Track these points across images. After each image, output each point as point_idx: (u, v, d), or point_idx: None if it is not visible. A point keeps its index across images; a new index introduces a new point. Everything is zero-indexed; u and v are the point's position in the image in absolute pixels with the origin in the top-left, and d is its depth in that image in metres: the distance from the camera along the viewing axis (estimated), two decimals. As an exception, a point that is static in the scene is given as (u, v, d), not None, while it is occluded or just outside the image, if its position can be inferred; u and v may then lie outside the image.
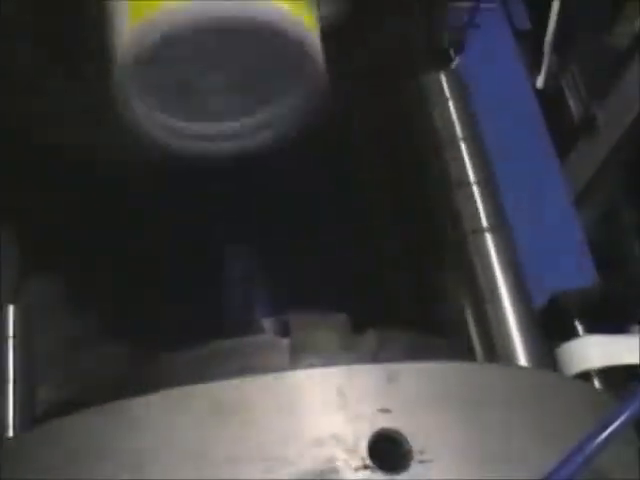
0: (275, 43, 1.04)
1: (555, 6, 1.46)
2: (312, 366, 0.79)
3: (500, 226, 0.90)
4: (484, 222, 0.89)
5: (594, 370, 0.94)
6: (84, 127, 1.24)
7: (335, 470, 0.71)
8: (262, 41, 1.04)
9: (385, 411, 0.73)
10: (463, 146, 0.92)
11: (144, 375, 0.91)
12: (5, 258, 1.26)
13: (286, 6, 1.02)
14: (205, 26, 1.02)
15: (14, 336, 1.07)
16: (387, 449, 0.73)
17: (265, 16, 1.00)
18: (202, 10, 1.01)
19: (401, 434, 0.72)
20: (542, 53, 1.48)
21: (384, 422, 0.73)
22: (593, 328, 1.01)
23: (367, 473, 0.71)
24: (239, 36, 1.04)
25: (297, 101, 1.07)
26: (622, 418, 0.64)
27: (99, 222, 1.33)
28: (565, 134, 1.44)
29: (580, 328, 0.97)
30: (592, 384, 0.92)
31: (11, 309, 1.10)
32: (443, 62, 1.51)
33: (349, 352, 0.81)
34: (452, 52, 1.53)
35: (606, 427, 0.65)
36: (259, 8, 1.00)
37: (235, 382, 0.76)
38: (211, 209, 1.37)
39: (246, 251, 1.38)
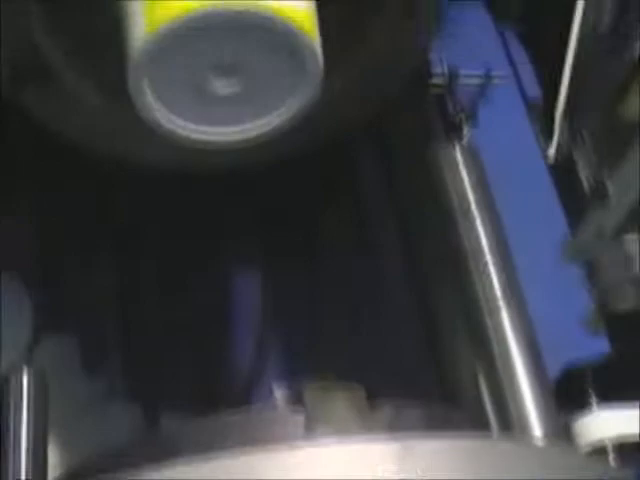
0: (281, 42, 1.10)
1: (566, 76, 1.48)
2: (327, 438, 0.79)
3: (515, 299, 0.90)
4: (499, 294, 0.90)
5: (610, 442, 0.93)
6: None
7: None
8: (271, 43, 1.10)
9: (400, 485, 0.73)
10: (477, 219, 0.93)
11: (152, 446, 0.91)
12: (19, 317, 1.27)
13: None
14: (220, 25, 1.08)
15: (28, 401, 1.07)
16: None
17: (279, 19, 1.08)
18: (216, 10, 1.07)
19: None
20: (553, 122, 1.50)
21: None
22: (609, 398, 1.01)
23: None
24: (250, 38, 1.10)
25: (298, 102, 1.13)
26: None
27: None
28: (576, 203, 1.45)
29: (595, 399, 0.97)
30: (607, 458, 0.92)
31: (25, 372, 1.10)
32: (455, 134, 1.54)
33: (364, 423, 0.81)
34: (464, 124, 1.56)
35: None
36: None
37: (247, 454, 0.76)
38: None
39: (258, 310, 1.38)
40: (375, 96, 1.36)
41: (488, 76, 1.56)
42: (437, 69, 1.58)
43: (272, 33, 1.11)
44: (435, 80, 1.60)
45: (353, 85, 1.31)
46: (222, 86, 1.13)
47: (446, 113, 1.60)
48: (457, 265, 0.93)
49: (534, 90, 1.57)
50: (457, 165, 0.95)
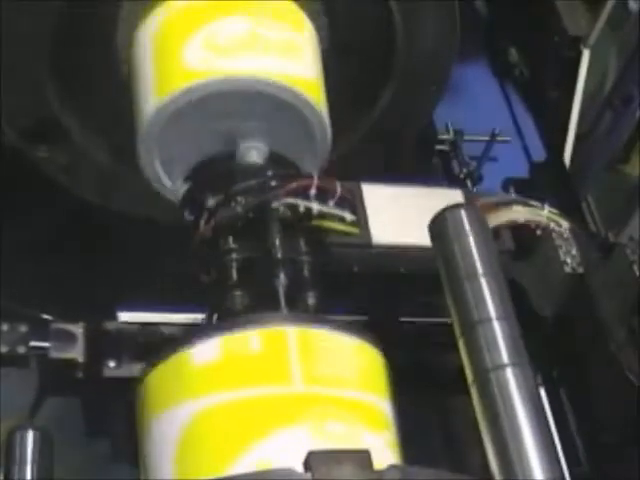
0: (290, 110, 1.14)
1: (570, 139, 1.49)
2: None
3: (521, 361, 0.90)
4: (505, 358, 0.90)
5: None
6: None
7: None
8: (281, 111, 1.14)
9: None
10: (483, 282, 0.93)
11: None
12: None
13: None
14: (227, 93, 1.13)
15: (32, 461, 1.06)
16: None
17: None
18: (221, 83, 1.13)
19: None
20: (558, 184, 1.51)
21: None
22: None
23: None
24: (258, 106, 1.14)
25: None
26: None
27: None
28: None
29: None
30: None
31: (30, 432, 1.10)
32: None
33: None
34: (470, 184, 1.57)
35: None
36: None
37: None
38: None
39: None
40: (382, 155, 1.37)
41: (492, 135, 1.57)
42: (442, 128, 1.60)
43: (281, 102, 1.14)
44: (440, 139, 1.61)
45: (362, 145, 1.32)
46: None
47: (451, 171, 1.62)
48: (464, 327, 0.93)
49: (538, 149, 1.58)
50: (463, 225, 0.95)
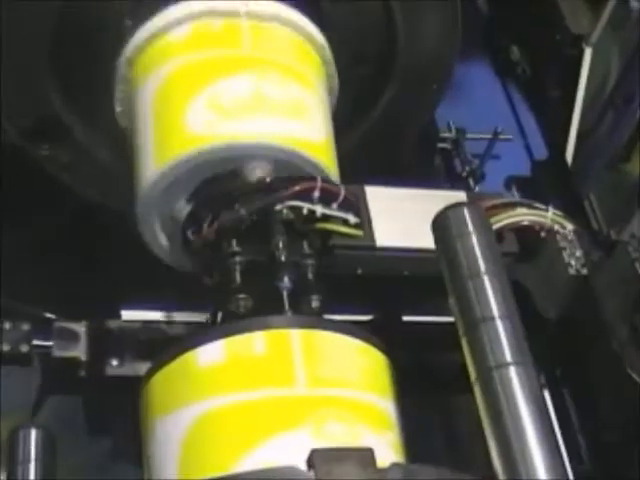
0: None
1: (572, 137, 1.49)
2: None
3: (524, 360, 0.90)
4: (508, 356, 0.90)
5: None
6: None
7: None
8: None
9: None
10: (486, 280, 0.93)
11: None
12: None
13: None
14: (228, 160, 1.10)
15: (35, 459, 1.06)
16: None
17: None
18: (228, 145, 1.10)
19: None
20: (560, 182, 1.51)
21: None
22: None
23: None
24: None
25: None
26: None
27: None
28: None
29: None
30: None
31: (33, 431, 1.10)
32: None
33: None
34: (472, 182, 1.58)
35: None
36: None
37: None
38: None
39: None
40: (384, 155, 1.38)
41: (495, 133, 1.58)
42: (444, 127, 1.60)
43: (289, 165, 1.11)
44: (443, 137, 1.61)
45: (364, 144, 1.33)
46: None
47: (453, 170, 1.62)
48: (467, 326, 0.93)
49: (540, 147, 1.58)
50: (466, 223, 0.95)
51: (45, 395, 1.29)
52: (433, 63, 1.31)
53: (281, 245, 1.05)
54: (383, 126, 1.34)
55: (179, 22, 1.17)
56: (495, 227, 1.09)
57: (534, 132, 1.60)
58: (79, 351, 1.23)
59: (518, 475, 0.83)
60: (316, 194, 1.07)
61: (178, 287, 1.25)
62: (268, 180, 1.09)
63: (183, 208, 1.14)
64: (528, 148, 1.59)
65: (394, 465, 0.84)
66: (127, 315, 1.30)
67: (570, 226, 1.17)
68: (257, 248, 1.07)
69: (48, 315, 1.26)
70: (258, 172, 1.11)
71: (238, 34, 1.17)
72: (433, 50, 1.30)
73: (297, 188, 1.07)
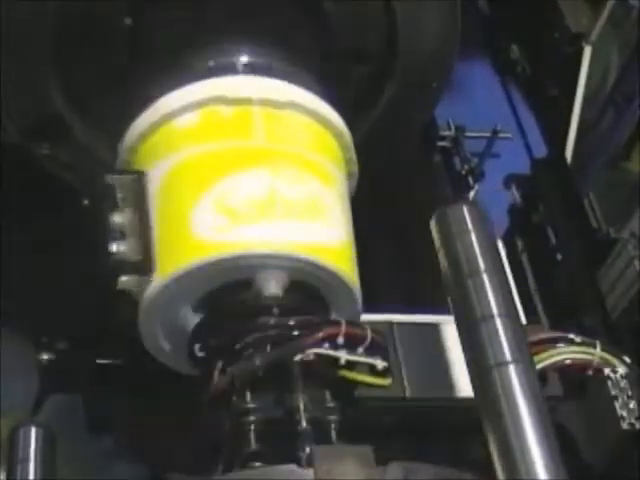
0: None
1: (572, 135, 1.49)
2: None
3: (523, 358, 0.90)
4: (507, 355, 0.90)
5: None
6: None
7: None
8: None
9: None
10: (486, 279, 0.93)
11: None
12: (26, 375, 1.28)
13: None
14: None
15: (35, 458, 1.06)
16: None
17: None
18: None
19: None
20: (559, 180, 1.51)
21: None
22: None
23: None
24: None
25: None
26: None
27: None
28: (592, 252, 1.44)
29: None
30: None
31: (33, 429, 1.10)
32: (462, 190, 1.55)
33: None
34: (471, 180, 1.58)
35: None
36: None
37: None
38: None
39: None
40: (385, 153, 1.37)
41: (494, 132, 1.58)
42: (444, 125, 1.60)
43: (304, 271, 1.04)
44: (442, 135, 1.61)
45: (363, 143, 1.32)
46: None
47: (453, 168, 1.62)
48: (467, 324, 0.93)
49: (539, 146, 1.59)
50: (465, 221, 0.95)
51: (45, 394, 1.30)
52: (433, 62, 1.31)
53: (302, 406, 0.96)
54: (383, 125, 1.34)
55: (186, 109, 1.11)
56: (538, 367, 1.00)
57: (534, 130, 1.60)
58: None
59: (518, 474, 0.83)
60: (340, 340, 0.98)
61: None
62: (292, 323, 0.99)
63: (190, 318, 1.06)
64: (528, 146, 1.59)
65: (394, 463, 0.84)
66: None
67: (622, 369, 1.06)
68: (274, 402, 0.98)
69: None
70: (273, 285, 1.03)
71: (250, 122, 1.10)
72: (433, 49, 1.29)
73: (320, 335, 0.98)
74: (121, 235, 1.06)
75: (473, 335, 0.90)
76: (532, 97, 1.63)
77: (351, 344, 0.98)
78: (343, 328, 0.98)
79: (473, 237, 0.96)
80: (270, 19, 1.22)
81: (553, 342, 1.05)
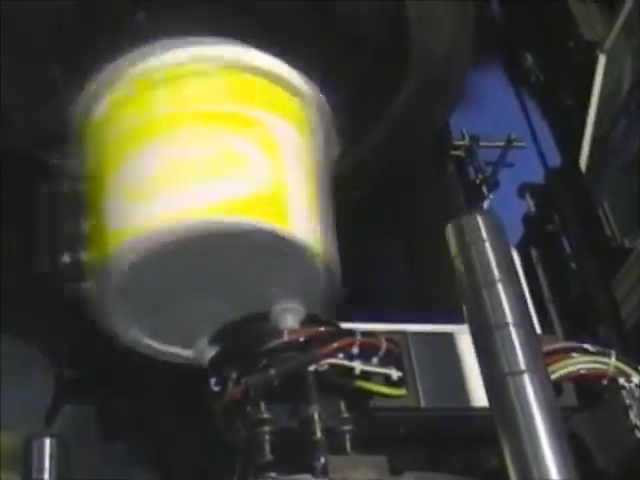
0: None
1: (586, 144, 1.49)
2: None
3: (537, 367, 0.90)
4: (522, 364, 0.90)
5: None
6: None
7: None
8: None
9: None
10: (500, 288, 0.93)
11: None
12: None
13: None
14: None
15: (49, 469, 1.06)
16: None
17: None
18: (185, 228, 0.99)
19: None
20: (573, 189, 1.50)
21: None
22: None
23: None
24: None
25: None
26: None
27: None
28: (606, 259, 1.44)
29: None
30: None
31: (47, 440, 1.10)
32: (477, 199, 1.55)
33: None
34: (485, 190, 1.57)
35: None
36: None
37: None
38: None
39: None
40: (398, 160, 1.37)
41: (508, 141, 1.57)
42: (458, 134, 1.60)
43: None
44: (456, 144, 1.61)
45: (378, 149, 1.32)
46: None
47: (467, 177, 1.62)
48: (481, 333, 0.93)
49: (554, 155, 1.58)
50: (480, 230, 0.95)
51: (59, 404, 1.30)
52: (447, 70, 1.31)
53: (316, 416, 0.96)
54: (397, 133, 1.34)
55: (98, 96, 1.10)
56: (553, 377, 1.00)
57: (548, 139, 1.59)
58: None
59: (531, 481, 0.83)
60: (355, 350, 0.99)
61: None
62: (302, 339, 0.99)
63: (204, 349, 1.06)
64: (542, 155, 1.59)
65: (408, 473, 0.84)
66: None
67: (637, 378, 1.06)
68: (288, 414, 0.98)
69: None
70: (289, 318, 1.04)
71: (151, 93, 1.07)
72: (447, 57, 1.29)
73: (335, 345, 0.98)
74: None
75: (488, 344, 0.90)
76: (546, 106, 1.63)
77: (366, 354, 0.98)
78: (358, 338, 0.98)
79: (488, 246, 0.96)
80: None
81: (568, 352, 1.05)
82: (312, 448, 0.94)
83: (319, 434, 0.95)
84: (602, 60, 1.47)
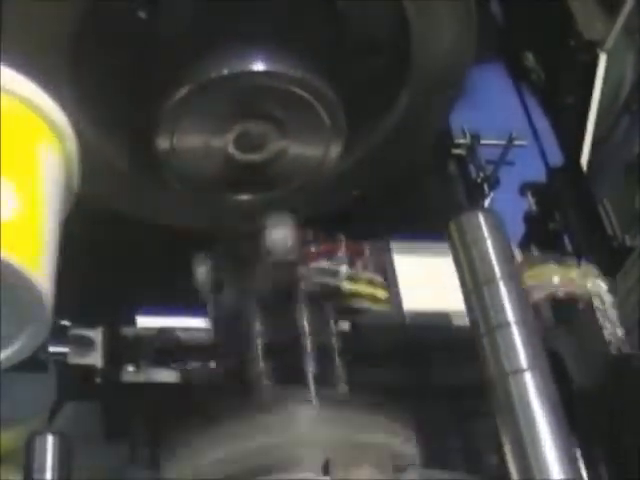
0: None
1: (587, 143, 1.49)
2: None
3: (539, 365, 0.90)
4: (523, 362, 0.90)
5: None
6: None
7: None
8: None
9: None
10: (501, 286, 0.93)
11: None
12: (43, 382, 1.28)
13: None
14: None
15: (52, 466, 1.06)
16: None
17: None
18: None
19: None
20: (575, 188, 1.51)
21: None
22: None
23: None
24: None
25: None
26: None
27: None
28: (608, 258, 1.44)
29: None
30: None
31: (50, 438, 1.10)
32: (477, 198, 1.55)
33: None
34: (486, 188, 1.57)
35: None
36: None
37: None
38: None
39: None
40: (399, 160, 1.38)
41: (509, 139, 1.57)
42: (459, 133, 1.60)
43: None
44: (457, 143, 1.61)
45: (379, 149, 1.33)
46: None
47: (468, 176, 1.62)
48: (483, 331, 0.93)
49: (555, 154, 1.58)
50: (481, 229, 0.95)
51: (61, 401, 1.30)
52: (448, 68, 1.31)
53: (306, 328, 1.03)
54: (397, 132, 1.34)
55: None
56: (531, 300, 1.06)
57: (549, 138, 1.59)
58: (95, 358, 1.23)
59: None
60: (341, 255, 1.06)
61: (193, 292, 1.25)
62: (290, 243, 1.05)
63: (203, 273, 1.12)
64: (543, 154, 1.59)
65: (410, 469, 0.84)
66: (142, 322, 1.31)
67: (610, 299, 1.15)
68: (280, 327, 1.04)
69: (63, 322, 1.26)
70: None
71: None
72: (448, 55, 1.30)
73: (322, 248, 1.05)
74: None
75: (489, 342, 0.90)
76: (547, 104, 1.63)
77: (351, 260, 1.05)
78: (343, 242, 1.05)
79: (489, 244, 0.96)
80: None
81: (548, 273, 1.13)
82: (301, 358, 1.01)
83: (309, 343, 1.01)
84: (603, 59, 1.47)
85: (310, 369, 1.01)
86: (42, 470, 1.02)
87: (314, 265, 1.04)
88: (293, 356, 1.02)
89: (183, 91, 1.21)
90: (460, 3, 1.27)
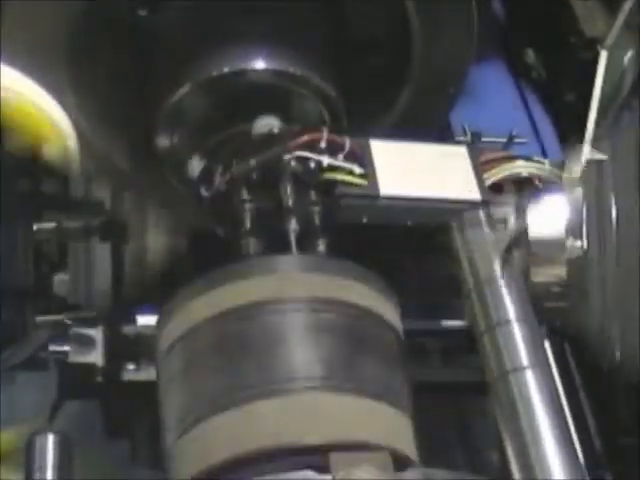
0: None
1: (587, 142, 1.49)
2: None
3: (540, 363, 0.90)
4: (524, 360, 0.90)
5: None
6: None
7: None
8: None
9: None
10: (502, 285, 0.93)
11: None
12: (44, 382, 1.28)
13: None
14: None
15: (52, 466, 1.06)
16: None
17: None
18: None
19: None
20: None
21: None
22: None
23: None
24: None
25: None
26: None
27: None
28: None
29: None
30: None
31: (50, 437, 1.10)
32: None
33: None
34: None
35: None
36: None
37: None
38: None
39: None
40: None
41: (510, 137, 1.57)
42: (459, 130, 1.60)
43: None
44: (457, 141, 1.61)
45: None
46: None
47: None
48: (483, 329, 0.93)
49: (555, 151, 1.58)
50: (483, 229, 0.95)
51: (62, 400, 1.30)
52: (448, 66, 1.31)
53: (289, 191, 1.10)
54: (398, 130, 1.34)
55: None
56: (496, 178, 1.13)
57: (549, 136, 1.59)
58: (95, 357, 1.23)
59: (534, 477, 0.83)
60: (323, 145, 1.10)
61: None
62: (276, 131, 1.16)
63: (196, 166, 1.19)
64: (543, 151, 1.59)
65: (411, 468, 0.84)
66: (143, 320, 1.31)
67: None
68: (266, 196, 1.12)
69: (65, 320, 1.26)
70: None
71: None
72: (448, 53, 1.30)
73: (305, 138, 1.10)
74: None
75: (490, 340, 0.90)
76: (548, 102, 1.63)
77: (332, 151, 1.09)
78: (325, 134, 1.09)
79: (490, 242, 0.96)
80: None
81: (511, 160, 1.20)
82: (284, 214, 1.09)
83: (290, 203, 1.09)
84: (604, 56, 1.47)
85: (292, 224, 1.09)
86: (43, 470, 1.02)
87: (297, 154, 1.09)
88: (277, 217, 1.10)
89: (183, 90, 1.21)
90: (460, 2, 1.27)
